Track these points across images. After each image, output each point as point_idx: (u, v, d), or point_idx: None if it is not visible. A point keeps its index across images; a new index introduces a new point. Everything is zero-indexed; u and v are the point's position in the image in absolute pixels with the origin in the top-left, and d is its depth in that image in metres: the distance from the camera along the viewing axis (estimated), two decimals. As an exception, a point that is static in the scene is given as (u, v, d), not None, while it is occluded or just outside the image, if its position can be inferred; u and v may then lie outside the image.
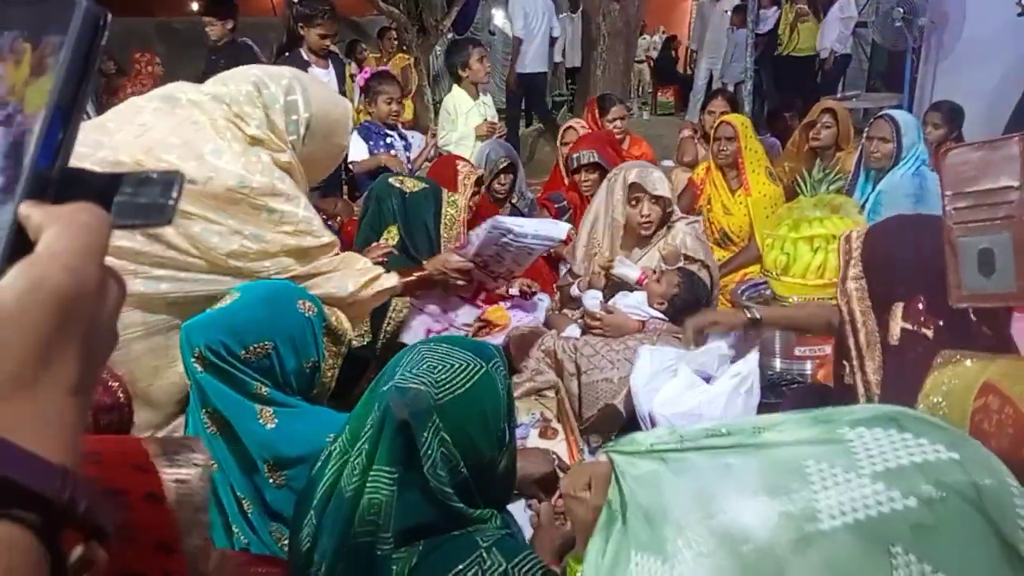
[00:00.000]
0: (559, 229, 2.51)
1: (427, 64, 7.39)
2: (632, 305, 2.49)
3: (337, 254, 1.80)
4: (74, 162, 0.40)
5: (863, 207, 3.06)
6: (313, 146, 1.75)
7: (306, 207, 1.70)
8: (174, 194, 0.41)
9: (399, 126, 4.14)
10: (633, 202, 2.58)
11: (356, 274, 1.81)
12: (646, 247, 2.68)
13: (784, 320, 2.06)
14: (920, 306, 1.26)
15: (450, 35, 7.67)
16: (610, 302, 2.55)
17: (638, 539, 0.60)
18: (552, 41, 7.73)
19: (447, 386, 1.06)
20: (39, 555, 0.32)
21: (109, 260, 0.39)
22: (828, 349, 2.16)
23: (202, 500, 0.89)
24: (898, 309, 1.30)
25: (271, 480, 1.40)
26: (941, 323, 1.23)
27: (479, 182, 2.96)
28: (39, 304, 0.34)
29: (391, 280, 1.91)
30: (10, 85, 0.39)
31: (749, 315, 1.96)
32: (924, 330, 1.24)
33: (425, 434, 1.03)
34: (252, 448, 1.38)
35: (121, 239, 1.47)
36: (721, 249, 3.47)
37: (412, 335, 2.48)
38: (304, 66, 3.84)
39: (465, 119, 4.30)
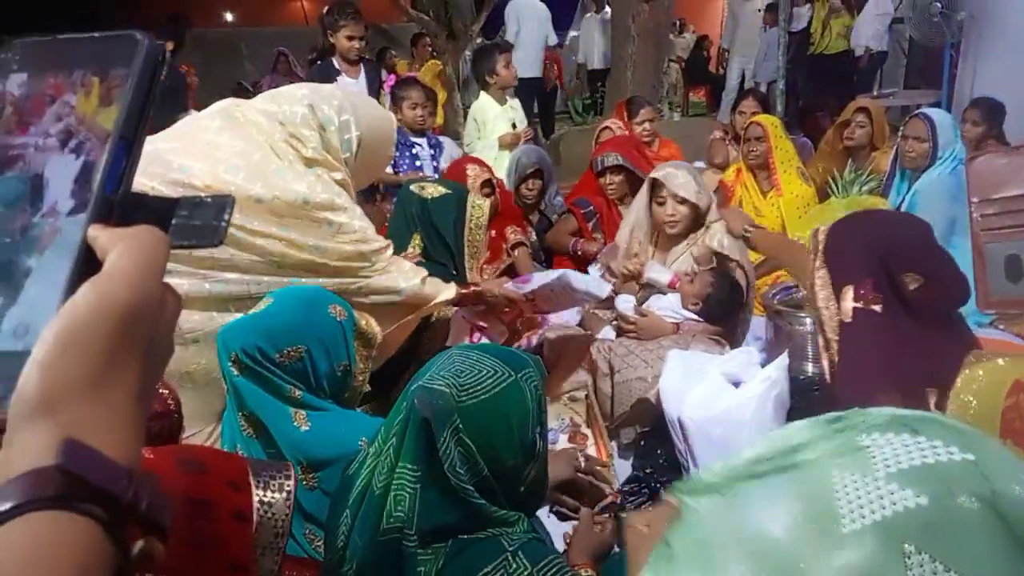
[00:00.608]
0: (603, 288, 2.60)
1: (457, 69, 7.44)
2: (666, 307, 2.49)
3: (390, 255, 1.95)
4: (145, 183, 0.44)
5: (899, 207, 3.01)
6: (363, 160, 1.91)
7: (360, 217, 1.86)
8: (226, 216, 0.44)
9: (429, 132, 4.12)
10: (659, 201, 2.59)
11: (407, 273, 1.96)
12: (683, 248, 2.67)
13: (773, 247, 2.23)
14: (864, 286, 1.44)
15: (479, 40, 7.72)
16: (644, 305, 2.55)
17: (686, 567, 0.63)
18: (554, 47, 8.16)
19: (471, 390, 1.08)
20: (106, 547, 0.36)
21: (177, 267, 0.42)
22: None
23: (283, 525, 0.92)
24: (848, 291, 1.47)
25: (304, 482, 1.44)
26: (885, 300, 1.43)
27: (487, 184, 2.95)
28: (107, 317, 0.37)
29: (450, 292, 2.07)
30: (81, 114, 0.43)
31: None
32: (872, 306, 1.43)
33: (444, 433, 1.05)
34: (286, 450, 1.41)
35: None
36: (753, 252, 3.44)
37: (454, 338, 2.52)
38: (334, 75, 3.87)
39: (492, 125, 4.30)
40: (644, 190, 2.71)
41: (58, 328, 0.37)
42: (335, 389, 1.50)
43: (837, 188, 2.44)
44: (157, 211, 0.44)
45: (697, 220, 2.61)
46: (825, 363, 1.56)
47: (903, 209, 2.94)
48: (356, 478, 1.18)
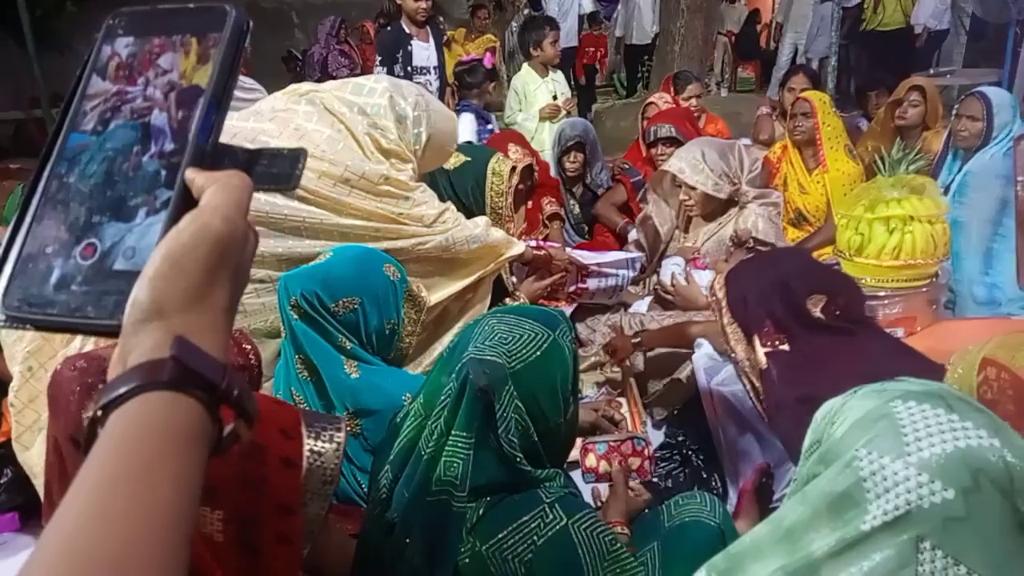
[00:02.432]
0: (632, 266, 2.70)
1: (503, 41, 7.42)
2: (702, 282, 2.51)
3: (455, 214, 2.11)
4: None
5: (948, 188, 2.95)
6: (427, 156, 2.07)
7: (428, 193, 2.05)
8: (300, 166, 0.51)
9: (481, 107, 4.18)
10: (678, 184, 2.61)
11: (474, 222, 2.13)
12: (715, 226, 2.68)
13: (664, 339, 2.25)
14: (768, 329, 1.51)
15: (526, 11, 7.67)
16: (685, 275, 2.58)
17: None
18: (581, 19, 8.24)
19: (519, 355, 1.13)
20: (206, 423, 0.44)
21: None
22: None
23: (332, 474, 0.99)
24: (756, 339, 1.54)
25: (348, 427, 1.51)
26: (790, 336, 1.50)
27: (528, 168, 2.88)
28: (206, 243, 0.45)
29: (520, 247, 2.25)
30: (181, 71, 0.50)
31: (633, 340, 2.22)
32: (781, 346, 1.50)
33: (503, 400, 1.10)
34: (334, 395, 1.50)
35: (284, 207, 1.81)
36: (796, 229, 3.41)
37: None
38: (407, 39, 3.92)
39: (533, 97, 4.33)
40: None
41: (165, 249, 0.44)
42: (382, 345, 1.57)
43: (884, 167, 2.40)
44: (242, 159, 0.51)
45: (726, 201, 2.61)
46: (760, 408, 1.63)
47: (952, 190, 2.89)
48: (399, 432, 1.25)
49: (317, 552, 1.33)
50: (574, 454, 1.44)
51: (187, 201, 0.47)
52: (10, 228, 0.48)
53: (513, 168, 2.60)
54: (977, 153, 2.91)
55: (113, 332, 0.44)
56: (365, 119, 1.94)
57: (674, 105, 3.90)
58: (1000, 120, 2.86)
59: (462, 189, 2.56)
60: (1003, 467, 0.57)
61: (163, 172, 0.48)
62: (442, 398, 1.16)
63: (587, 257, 2.60)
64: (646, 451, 1.55)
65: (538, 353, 1.13)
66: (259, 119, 1.92)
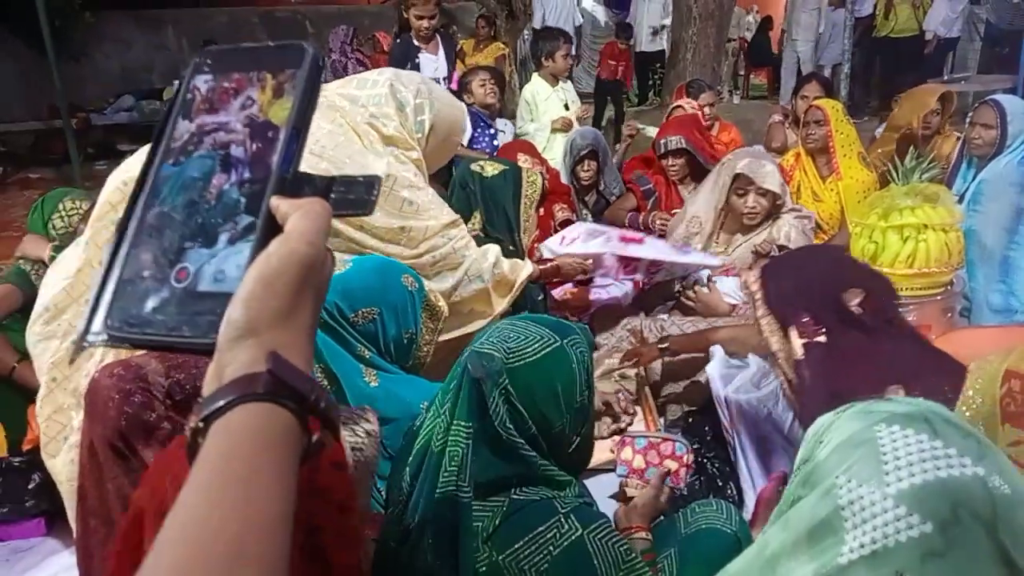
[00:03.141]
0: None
1: (515, 49, 7.45)
2: (725, 289, 2.52)
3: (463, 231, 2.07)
4: None
5: (963, 196, 2.95)
6: (435, 143, 2.04)
7: (432, 195, 1.99)
8: (375, 192, 0.54)
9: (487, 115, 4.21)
10: (740, 192, 2.60)
11: (484, 255, 2.08)
12: (749, 235, 2.69)
13: (691, 345, 2.25)
14: (807, 321, 1.54)
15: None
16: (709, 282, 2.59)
17: None
18: (578, 29, 8.43)
19: (519, 353, 1.15)
20: (297, 431, 0.47)
21: None
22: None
23: (374, 465, 1.01)
24: (793, 331, 1.56)
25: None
26: (827, 329, 1.52)
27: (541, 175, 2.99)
28: (293, 266, 0.48)
29: (528, 268, 2.21)
30: (260, 104, 0.53)
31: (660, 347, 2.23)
32: (818, 338, 1.52)
33: (494, 392, 1.13)
34: (355, 403, 1.51)
35: None
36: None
37: None
38: (415, 52, 3.98)
39: (544, 107, 4.36)
40: (715, 173, 2.73)
41: (256, 273, 0.47)
42: (400, 354, 1.60)
43: (897, 175, 2.41)
44: (320, 186, 0.53)
45: (769, 212, 2.62)
46: (791, 398, 1.64)
47: (967, 198, 2.88)
48: (416, 438, 1.26)
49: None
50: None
51: (273, 226, 0.50)
52: (107, 256, 0.52)
53: (544, 181, 2.68)
54: (992, 161, 2.91)
55: (208, 350, 0.48)
56: (365, 110, 1.94)
57: (698, 111, 3.94)
58: (1014, 128, 2.86)
59: (501, 196, 2.61)
60: (986, 497, 0.55)
61: (243, 200, 0.51)
62: (448, 390, 1.19)
63: (664, 252, 2.59)
64: (685, 458, 1.55)
65: (540, 355, 1.15)
66: None
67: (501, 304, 2.10)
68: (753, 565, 0.68)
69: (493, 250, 2.12)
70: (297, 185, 0.52)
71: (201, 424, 0.46)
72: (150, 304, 0.50)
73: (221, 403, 0.45)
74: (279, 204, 0.50)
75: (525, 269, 2.20)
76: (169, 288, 0.50)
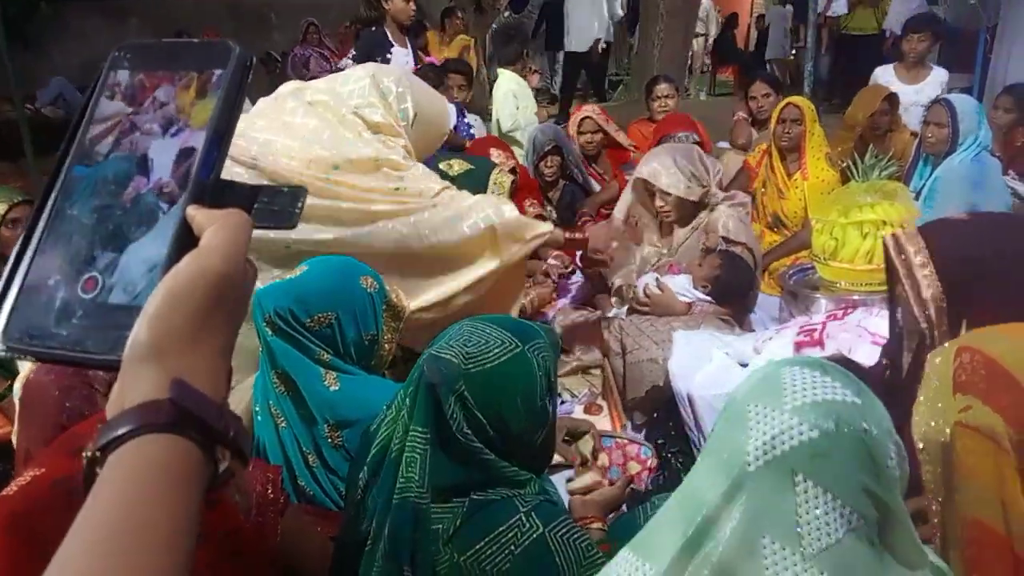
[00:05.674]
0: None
1: (483, 44, 7.43)
2: (677, 288, 2.53)
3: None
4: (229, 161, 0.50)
5: (919, 193, 3.01)
6: (419, 131, 2.11)
7: (423, 169, 2.07)
8: (299, 204, 0.51)
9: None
10: (651, 192, 2.63)
11: (487, 199, 2.11)
12: (687, 230, 2.71)
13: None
14: (994, 303, 1.05)
15: (507, 13, 7.68)
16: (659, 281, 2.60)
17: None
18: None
19: (478, 358, 1.13)
20: (202, 463, 0.44)
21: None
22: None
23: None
24: (968, 311, 1.13)
25: (329, 440, 1.51)
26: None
27: (512, 171, 3.02)
28: (206, 283, 0.45)
29: (546, 226, 2.17)
30: (180, 105, 0.50)
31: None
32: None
33: (449, 399, 1.11)
34: (315, 408, 1.49)
35: None
36: (773, 233, 3.44)
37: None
38: (387, 46, 3.93)
39: (526, 102, 4.44)
40: (629, 188, 2.77)
41: (165, 289, 0.44)
42: (362, 357, 1.56)
43: (857, 172, 2.45)
44: (242, 196, 0.50)
45: (697, 203, 2.64)
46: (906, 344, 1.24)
47: (923, 194, 2.95)
48: (374, 438, 1.26)
49: (297, 553, 1.33)
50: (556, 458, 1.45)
51: (188, 238, 0.47)
52: (11, 260, 0.49)
53: (513, 181, 2.68)
54: (946, 159, 2.99)
55: (114, 367, 0.45)
56: (349, 102, 2.00)
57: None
58: (965, 126, 2.94)
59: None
60: (860, 420, 0.67)
61: (162, 206, 0.48)
62: (407, 394, 1.18)
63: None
64: (649, 461, 1.57)
65: (499, 361, 1.13)
66: (253, 117, 1.99)
67: (509, 251, 2.06)
68: (675, 498, 0.77)
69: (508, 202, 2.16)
70: (219, 193, 0.49)
71: (98, 453, 0.43)
72: (54, 315, 0.46)
73: (121, 431, 0.42)
74: (195, 214, 0.47)
75: (540, 227, 2.14)
76: (75, 298, 0.46)
